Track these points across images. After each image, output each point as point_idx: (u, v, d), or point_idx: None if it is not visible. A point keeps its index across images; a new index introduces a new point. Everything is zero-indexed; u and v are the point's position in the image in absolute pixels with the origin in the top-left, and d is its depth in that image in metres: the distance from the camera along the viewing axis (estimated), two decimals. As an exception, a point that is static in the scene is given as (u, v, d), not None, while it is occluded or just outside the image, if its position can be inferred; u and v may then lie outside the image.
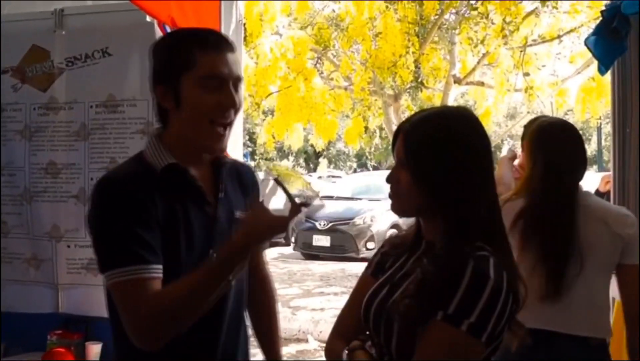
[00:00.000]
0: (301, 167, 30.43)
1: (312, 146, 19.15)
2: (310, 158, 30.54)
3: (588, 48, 2.58)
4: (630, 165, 2.64)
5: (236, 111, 1.32)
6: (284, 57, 6.37)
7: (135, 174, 1.30)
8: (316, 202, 1.23)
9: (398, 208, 1.25)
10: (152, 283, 1.20)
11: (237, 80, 1.32)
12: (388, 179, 1.24)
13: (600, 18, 2.63)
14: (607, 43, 2.50)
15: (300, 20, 7.28)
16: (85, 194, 2.52)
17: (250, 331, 1.55)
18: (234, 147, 2.33)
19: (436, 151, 1.18)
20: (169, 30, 2.19)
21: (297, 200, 1.19)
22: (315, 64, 7.77)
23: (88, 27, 2.49)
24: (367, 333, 1.27)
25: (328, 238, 9.87)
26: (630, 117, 2.63)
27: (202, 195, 1.34)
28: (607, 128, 21.08)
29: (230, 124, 1.32)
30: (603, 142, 21.11)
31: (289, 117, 7.62)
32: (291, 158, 29.75)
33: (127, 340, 1.22)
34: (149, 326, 1.19)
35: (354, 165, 30.44)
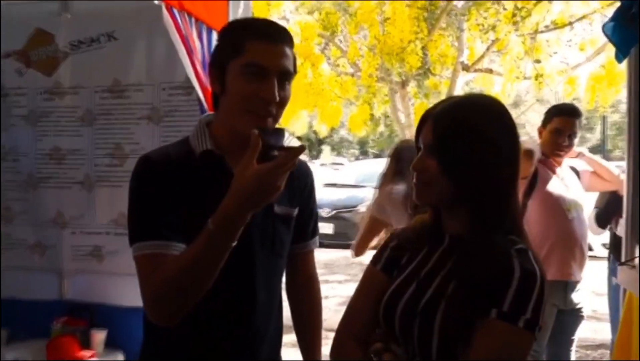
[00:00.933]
0: (304, 154, 30.33)
1: (315, 132, 19.07)
2: (313, 145, 30.48)
3: (605, 34, 2.51)
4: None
5: (280, 106, 1.27)
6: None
7: (174, 156, 1.31)
8: (295, 143, 1.17)
9: (424, 197, 1.21)
10: (168, 260, 1.21)
11: (284, 74, 1.27)
12: (415, 167, 1.20)
13: (619, 3, 2.56)
14: (625, 29, 2.42)
15: (307, 6, 7.19)
16: (90, 180, 2.51)
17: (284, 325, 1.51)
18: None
19: (467, 139, 1.14)
20: (177, 14, 2.14)
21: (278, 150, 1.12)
22: (323, 50, 7.68)
23: (94, 11, 2.45)
24: (382, 332, 1.23)
25: (332, 225, 9.83)
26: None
27: None
28: (613, 117, 21.13)
29: (271, 117, 1.27)
30: (607, 132, 21.07)
31: (295, 103, 7.55)
32: (294, 145, 29.59)
33: (152, 327, 1.24)
34: (157, 296, 1.19)
35: (357, 152, 30.38)
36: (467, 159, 1.13)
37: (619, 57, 2.51)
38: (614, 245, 3.67)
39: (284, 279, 1.50)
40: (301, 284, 1.56)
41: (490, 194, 1.14)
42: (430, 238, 1.24)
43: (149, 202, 1.25)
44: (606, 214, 3.71)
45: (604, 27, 2.52)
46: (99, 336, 2.42)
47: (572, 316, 2.86)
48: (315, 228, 1.55)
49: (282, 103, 1.27)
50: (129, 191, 1.29)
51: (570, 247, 2.82)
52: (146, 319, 1.30)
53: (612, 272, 3.60)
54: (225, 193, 1.19)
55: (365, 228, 2.93)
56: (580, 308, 2.85)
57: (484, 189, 1.14)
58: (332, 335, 1.29)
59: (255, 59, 1.24)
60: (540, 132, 2.95)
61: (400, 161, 2.83)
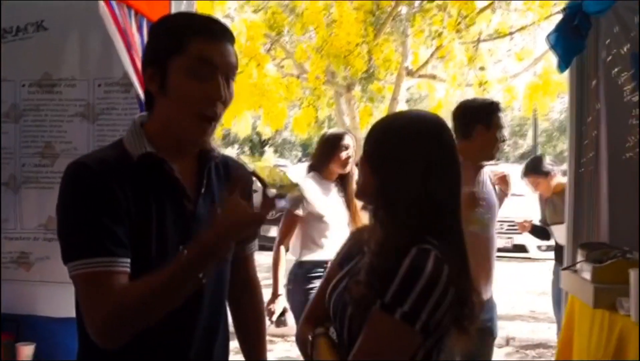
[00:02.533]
0: (246, 155, 30.16)
1: (258, 134, 18.91)
2: (256, 147, 30.29)
3: (549, 45, 2.58)
4: (586, 162, 2.69)
5: (225, 105, 1.24)
6: (236, 41, 6.17)
7: (109, 161, 1.21)
8: (294, 193, 1.20)
9: (359, 196, 1.40)
10: (118, 277, 1.13)
11: (229, 72, 1.24)
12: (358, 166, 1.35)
13: (557, 15, 2.64)
14: (568, 41, 2.50)
15: (253, 4, 7.10)
16: (17, 181, 2.37)
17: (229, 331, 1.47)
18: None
19: (391, 136, 1.27)
20: (115, 7, 2.03)
21: (272, 192, 1.14)
22: (268, 50, 7.61)
23: None
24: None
25: (277, 228, 9.75)
26: (587, 114, 2.67)
27: (181, 189, 1.25)
28: (544, 125, 22.26)
29: (216, 118, 1.23)
30: (538, 138, 22.19)
31: (238, 103, 7.41)
32: (236, 146, 29.40)
33: (90, 340, 1.16)
34: (109, 322, 1.12)
35: (299, 154, 30.45)
36: (379, 148, 1.28)
37: (562, 67, 2.59)
38: (556, 250, 3.84)
39: None
40: (242, 288, 1.51)
41: (400, 189, 1.23)
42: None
43: (89, 214, 1.15)
44: (543, 228, 4.05)
45: (547, 37, 2.59)
46: (26, 350, 2.27)
47: (481, 335, 2.65)
48: None
49: (228, 102, 1.24)
50: (61, 200, 1.18)
51: (478, 264, 2.73)
52: (82, 334, 1.20)
53: (555, 275, 3.75)
54: (170, 198, 1.18)
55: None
56: (489, 327, 2.57)
57: (396, 184, 1.23)
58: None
59: (201, 57, 1.19)
60: (480, 133, 2.60)
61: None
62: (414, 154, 1.23)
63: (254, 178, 1.19)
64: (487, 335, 2.56)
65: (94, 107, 2.31)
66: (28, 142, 2.36)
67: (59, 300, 2.18)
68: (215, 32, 1.22)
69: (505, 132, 2.57)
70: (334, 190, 3.15)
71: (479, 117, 2.52)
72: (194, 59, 1.19)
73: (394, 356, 1.14)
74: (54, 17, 2.29)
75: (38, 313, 2.34)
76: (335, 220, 3.08)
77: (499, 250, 3.39)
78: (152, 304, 1.12)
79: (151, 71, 1.22)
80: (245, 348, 1.52)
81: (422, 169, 1.22)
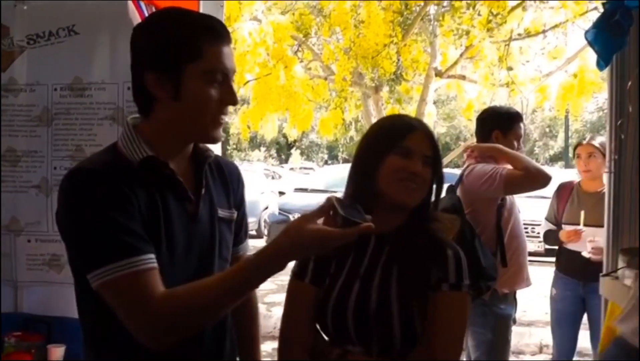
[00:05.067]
0: (273, 158, 30.34)
1: (284, 136, 19.01)
2: (283, 149, 30.43)
3: (588, 42, 2.49)
4: (627, 161, 2.59)
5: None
6: (264, 42, 6.20)
7: (110, 164, 1.20)
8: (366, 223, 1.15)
9: (417, 199, 1.42)
10: (152, 275, 1.12)
11: (234, 74, 1.26)
12: (419, 172, 1.41)
13: (591, 12, 2.56)
14: (607, 37, 2.41)
15: (280, 6, 7.12)
16: (48, 184, 2.40)
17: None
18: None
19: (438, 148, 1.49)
20: (144, 8, 2.04)
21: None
22: (296, 52, 7.63)
23: (52, 3, 2.35)
24: (331, 338, 1.39)
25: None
26: (627, 113, 2.57)
27: (183, 190, 1.25)
28: (575, 125, 21.75)
29: (226, 116, 1.27)
30: (570, 140, 21.75)
31: (265, 106, 7.46)
32: (263, 149, 29.56)
33: (98, 344, 1.19)
34: (163, 323, 1.10)
35: (325, 157, 30.47)
36: (440, 159, 1.47)
37: (601, 65, 2.49)
38: (558, 257, 3.61)
39: None
40: None
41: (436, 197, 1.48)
42: (356, 242, 1.26)
43: (103, 216, 1.12)
44: (552, 232, 3.56)
45: (586, 34, 2.51)
46: (57, 352, 2.29)
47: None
48: (246, 231, 1.53)
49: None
50: (69, 210, 1.16)
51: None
52: (90, 343, 1.24)
53: (554, 283, 3.57)
54: (174, 199, 1.20)
55: None
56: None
57: (441, 180, 1.47)
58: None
59: (218, 64, 1.19)
60: (497, 138, 2.80)
61: None
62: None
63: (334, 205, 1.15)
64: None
65: (123, 110, 2.32)
66: (59, 145, 2.38)
67: (89, 303, 2.19)
68: (224, 35, 1.22)
69: (523, 142, 2.84)
70: None
71: (499, 123, 2.79)
72: (211, 65, 1.18)
73: (466, 323, 1.42)
74: (84, 21, 2.32)
75: (69, 315, 2.30)
76: None
77: (531, 254, 3.33)
78: (210, 309, 1.12)
79: (157, 74, 1.19)
80: (240, 347, 1.52)
81: None
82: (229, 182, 1.40)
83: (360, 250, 1.39)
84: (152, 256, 1.13)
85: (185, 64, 1.17)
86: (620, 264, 2.35)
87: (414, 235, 1.39)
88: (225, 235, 1.35)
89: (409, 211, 1.41)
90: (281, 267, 1.11)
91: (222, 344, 1.36)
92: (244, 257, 1.49)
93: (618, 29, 2.35)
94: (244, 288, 1.13)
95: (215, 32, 1.20)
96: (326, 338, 1.41)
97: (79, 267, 1.17)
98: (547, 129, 26.51)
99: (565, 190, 3.51)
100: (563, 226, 3.45)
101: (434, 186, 1.45)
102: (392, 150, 1.38)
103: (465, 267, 1.37)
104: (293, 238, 1.09)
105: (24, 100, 2.38)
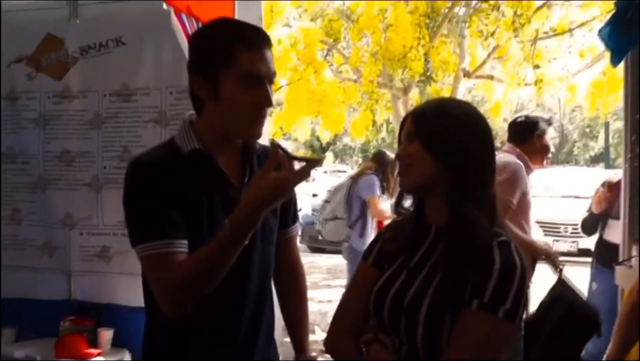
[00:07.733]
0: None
1: (318, 139, 19.08)
2: (317, 152, 30.45)
3: (601, 39, 2.56)
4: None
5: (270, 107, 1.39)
6: (294, 48, 6.34)
7: (163, 157, 1.38)
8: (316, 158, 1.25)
9: (407, 181, 1.25)
10: (177, 256, 1.28)
11: (272, 78, 1.36)
12: (399, 154, 1.26)
13: (614, 9, 2.61)
14: (621, 34, 2.47)
15: (311, 12, 7.25)
16: (98, 182, 2.53)
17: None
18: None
19: (444, 119, 1.21)
20: (185, 19, 2.19)
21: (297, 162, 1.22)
22: (325, 56, 7.75)
23: (102, 16, 2.49)
24: (374, 323, 1.27)
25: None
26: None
27: (226, 179, 1.39)
28: (616, 125, 20.96)
29: (265, 118, 1.38)
30: (610, 140, 20.98)
31: (297, 109, 7.59)
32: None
33: (157, 310, 1.31)
34: (173, 293, 1.27)
35: (359, 160, 30.36)
36: (445, 134, 1.20)
37: (614, 61, 2.56)
38: (599, 250, 3.49)
39: None
40: (286, 270, 1.62)
41: (468, 168, 1.18)
42: (416, 230, 1.27)
43: (148, 203, 1.31)
44: (593, 221, 3.48)
45: (600, 31, 2.57)
46: (106, 335, 2.45)
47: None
48: (296, 214, 1.63)
49: (273, 104, 1.38)
50: (125, 195, 1.36)
51: None
52: (149, 306, 1.38)
53: (594, 277, 3.45)
54: (218, 188, 1.31)
55: None
56: None
57: (461, 162, 1.18)
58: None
59: (251, 70, 1.31)
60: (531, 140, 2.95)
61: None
62: (482, 142, 1.21)
63: (280, 151, 1.23)
64: None
65: (166, 113, 2.45)
66: (108, 146, 2.52)
67: (135, 290, 2.21)
68: (259, 43, 1.33)
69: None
70: None
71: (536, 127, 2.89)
72: (244, 70, 1.30)
73: (495, 354, 1.12)
74: (131, 32, 2.45)
75: (116, 302, 2.50)
76: None
77: (564, 254, 3.30)
78: (206, 272, 1.25)
79: (200, 78, 1.34)
80: (288, 327, 1.63)
81: (485, 159, 1.21)
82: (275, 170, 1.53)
83: (420, 240, 1.26)
84: (182, 242, 1.29)
85: (221, 69, 1.30)
86: (635, 253, 2.41)
87: (463, 240, 1.15)
88: (268, 219, 1.43)
89: (455, 199, 1.18)
90: (255, 221, 1.21)
91: (260, 316, 1.47)
92: (294, 239, 1.64)
93: (631, 26, 2.41)
94: (231, 245, 1.23)
95: (249, 40, 1.31)
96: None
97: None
98: (587, 129, 25.46)
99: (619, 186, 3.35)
100: (609, 221, 3.31)
101: (450, 176, 1.18)
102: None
103: (515, 291, 1.11)
104: (255, 194, 1.20)
105: (77, 106, 2.53)
